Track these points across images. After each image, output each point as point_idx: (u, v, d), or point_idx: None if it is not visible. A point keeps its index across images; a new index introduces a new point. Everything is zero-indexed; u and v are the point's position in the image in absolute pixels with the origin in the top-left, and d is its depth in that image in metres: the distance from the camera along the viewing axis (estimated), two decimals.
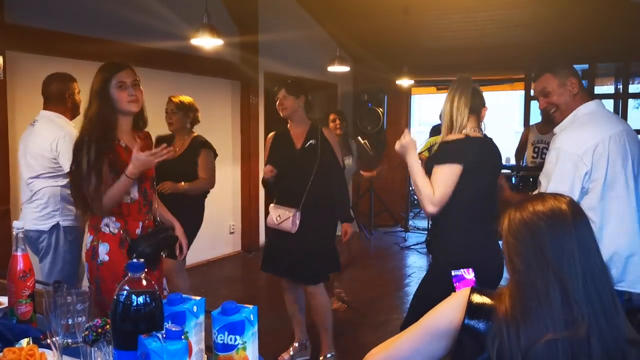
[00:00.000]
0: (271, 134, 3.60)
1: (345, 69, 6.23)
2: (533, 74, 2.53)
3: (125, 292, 1.10)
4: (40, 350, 1.44)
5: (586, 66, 7.29)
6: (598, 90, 7.89)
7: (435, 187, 2.30)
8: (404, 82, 7.20)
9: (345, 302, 4.78)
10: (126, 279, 1.11)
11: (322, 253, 3.36)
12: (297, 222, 3.27)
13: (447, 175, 2.30)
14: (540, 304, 1.15)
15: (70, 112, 3.24)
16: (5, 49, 4.07)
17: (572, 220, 1.20)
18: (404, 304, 4.91)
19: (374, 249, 7.46)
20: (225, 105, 6.63)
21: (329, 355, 3.50)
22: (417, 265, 6.45)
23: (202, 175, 3.82)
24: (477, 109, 2.45)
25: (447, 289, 2.35)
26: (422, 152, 5.65)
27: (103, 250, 2.33)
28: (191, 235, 3.84)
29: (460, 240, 2.39)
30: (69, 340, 1.53)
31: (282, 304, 4.89)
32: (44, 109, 3.22)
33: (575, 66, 2.60)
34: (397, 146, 2.43)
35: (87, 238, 2.43)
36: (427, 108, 14.03)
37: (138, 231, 2.40)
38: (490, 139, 2.52)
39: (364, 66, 8.00)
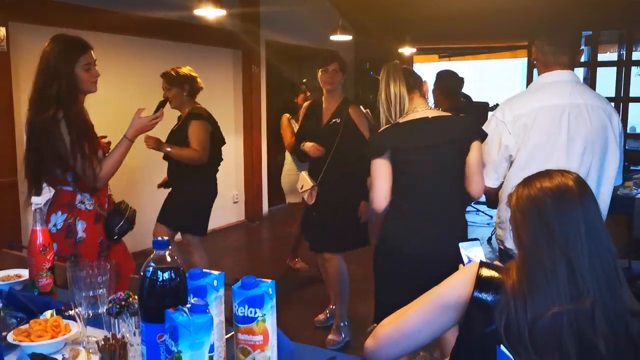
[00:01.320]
0: (307, 103, 3.74)
1: (347, 37, 6.19)
2: None
3: (151, 268, 1.14)
4: (64, 321, 1.50)
5: (589, 33, 7.24)
6: (602, 57, 7.85)
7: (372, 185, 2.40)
8: (406, 50, 7.17)
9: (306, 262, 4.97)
10: (151, 255, 1.16)
11: (339, 224, 3.42)
12: (314, 196, 3.41)
13: (373, 171, 2.34)
14: (547, 278, 1.18)
15: None
16: (8, 20, 4.05)
17: (578, 197, 1.22)
18: None
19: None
20: (227, 75, 6.60)
21: (342, 325, 3.54)
22: None
23: (194, 146, 3.51)
24: (416, 86, 2.39)
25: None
26: None
27: (80, 227, 2.33)
28: (199, 207, 3.79)
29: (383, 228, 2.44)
30: (90, 312, 1.59)
31: (286, 274, 4.98)
32: None
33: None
34: None
35: (56, 217, 2.34)
36: (430, 76, 13.88)
37: (107, 206, 2.43)
38: (449, 116, 2.39)
39: (366, 35, 7.93)
